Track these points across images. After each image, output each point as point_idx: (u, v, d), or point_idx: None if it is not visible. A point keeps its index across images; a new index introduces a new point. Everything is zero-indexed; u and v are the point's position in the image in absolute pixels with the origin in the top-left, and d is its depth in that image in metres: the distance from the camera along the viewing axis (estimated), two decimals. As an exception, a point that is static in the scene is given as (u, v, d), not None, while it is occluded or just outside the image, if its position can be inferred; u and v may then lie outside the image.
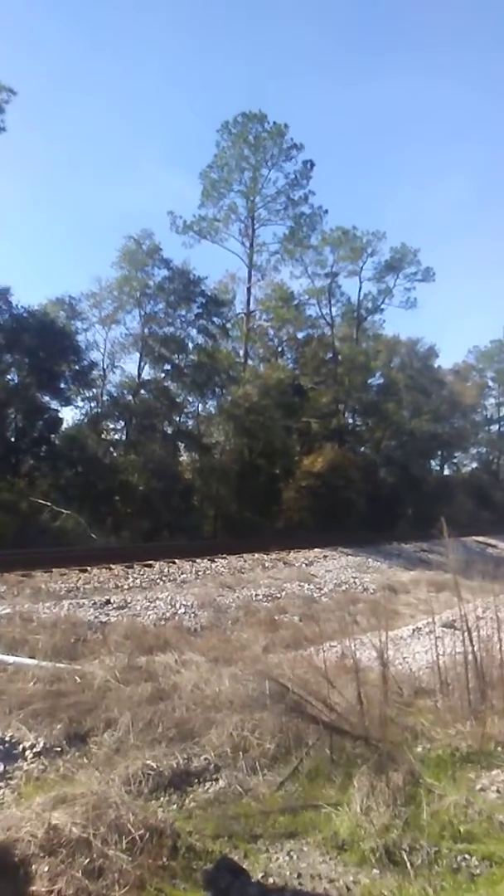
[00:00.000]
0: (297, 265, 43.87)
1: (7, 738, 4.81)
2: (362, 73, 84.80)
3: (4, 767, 4.52)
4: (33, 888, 3.14)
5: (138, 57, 78.11)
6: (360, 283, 47.07)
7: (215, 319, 37.02)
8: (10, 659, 6.62)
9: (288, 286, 44.07)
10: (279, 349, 44.51)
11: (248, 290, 41.56)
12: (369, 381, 45.10)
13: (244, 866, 3.51)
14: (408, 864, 3.58)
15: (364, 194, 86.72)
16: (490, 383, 61.31)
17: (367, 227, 55.66)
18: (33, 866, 3.24)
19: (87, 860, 3.25)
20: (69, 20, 73.86)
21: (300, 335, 44.61)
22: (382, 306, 48.24)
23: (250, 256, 41.05)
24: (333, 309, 46.00)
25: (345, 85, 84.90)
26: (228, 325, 39.52)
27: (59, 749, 4.82)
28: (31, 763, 4.63)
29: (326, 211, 42.22)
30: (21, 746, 4.78)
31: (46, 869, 3.21)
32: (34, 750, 4.75)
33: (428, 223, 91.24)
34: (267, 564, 17.18)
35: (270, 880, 3.47)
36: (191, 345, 35.81)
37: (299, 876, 3.52)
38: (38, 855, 3.29)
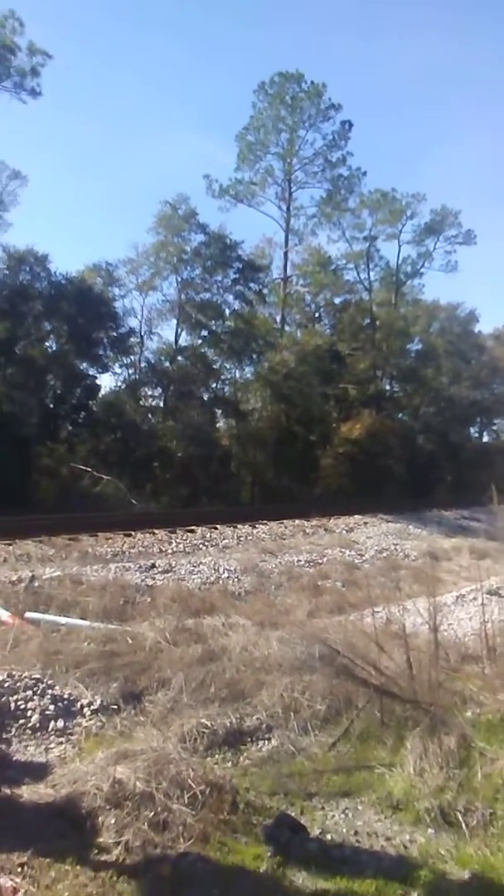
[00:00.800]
0: (334, 229, 43.14)
1: (66, 696, 4.96)
2: (401, 31, 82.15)
3: (65, 724, 4.66)
4: (101, 840, 3.25)
5: (169, 21, 76.69)
6: (399, 246, 46.12)
7: (252, 285, 36.74)
8: (63, 620, 6.79)
9: (325, 250, 43.37)
10: (316, 315, 44.04)
11: (285, 254, 41.07)
12: (408, 346, 44.56)
13: (302, 823, 3.59)
14: (463, 825, 3.63)
15: (403, 155, 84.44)
16: (532, 348, 60.11)
17: (406, 189, 54.56)
18: (100, 818, 3.36)
19: (152, 813, 3.36)
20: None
21: (338, 300, 44.01)
22: (422, 270, 47.27)
23: (287, 220, 40.49)
24: (372, 273, 45.28)
25: (383, 43, 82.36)
26: (265, 291, 39.21)
27: (115, 707, 4.95)
28: (90, 720, 4.76)
29: (365, 173, 41.22)
30: (79, 704, 4.92)
31: (113, 821, 3.32)
32: (92, 707, 4.89)
33: (469, 184, 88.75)
34: (307, 531, 17.25)
35: (328, 837, 3.55)
36: (227, 311, 35.66)
37: (356, 834, 3.60)
38: (105, 808, 3.41)
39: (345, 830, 3.62)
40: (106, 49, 72.55)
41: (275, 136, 39.96)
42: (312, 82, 38.90)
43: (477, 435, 52.95)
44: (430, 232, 45.79)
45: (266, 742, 4.67)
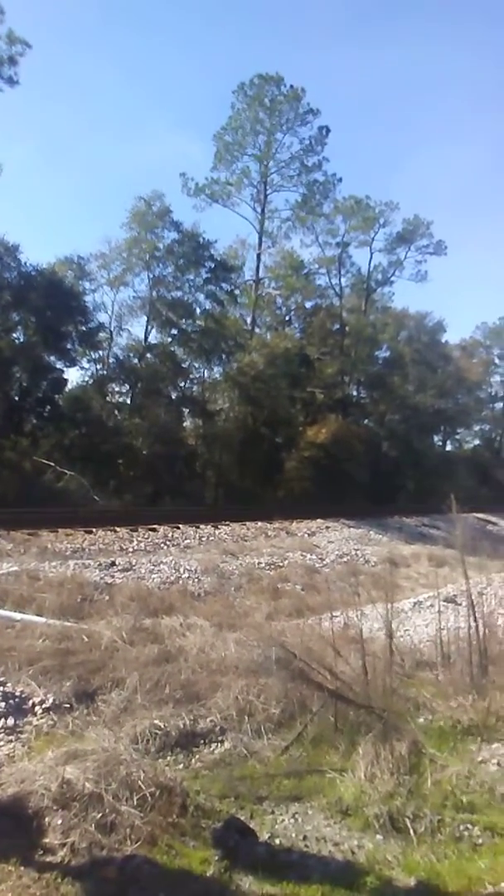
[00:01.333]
0: (308, 233, 43.38)
1: (17, 693, 4.89)
2: (378, 40, 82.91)
3: (15, 721, 4.60)
4: (46, 840, 3.21)
5: (151, 18, 76.35)
6: (371, 253, 46.57)
7: (224, 285, 36.73)
8: (19, 616, 6.70)
9: (298, 254, 43.57)
10: (287, 318, 44.21)
11: (258, 256, 41.18)
12: (376, 353, 44.95)
13: (251, 827, 3.58)
14: (411, 832, 3.66)
15: (378, 164, 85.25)
16: (496, 360, 60.88)
17: (380, 197, 55.01)
18: (47, 819, 3.32)
19: (100, 815, 3.32)
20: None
21: (308, 305, 44.25)
22: (392, 278, 47.79)
23: (261, 222, 40.61)
24: (343, 279, 45.64)
25: (360, 51, 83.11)
26: (237, 292, 39.22)
27: (68, 705, 4.90)
28: (41, 718, 4.70)
29: (340, 179, 41.59)
30: (31, 702, 4.86)
31: (60, 822, 3.28)
32: (44, 706, 4.83)
33: (441, 195, 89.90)
34: (270, 533, 17.28)
35: (277, 841, 3.54)
36: (198, 310, 35.60)
37: (305, 838, 3.60)
38: (52, 808, 3.36)
39: (294, 835, 3.62)
40: (85, 41, 72.16)
41: (252, 137, 40.07)
42: (291, 86, 39.14)
43: (440, 444, 53.64)
44: (402, 241, 46.32)
45: (219, 745, 4.65)
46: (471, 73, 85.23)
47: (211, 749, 4.60)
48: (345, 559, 14.15)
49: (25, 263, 27.87)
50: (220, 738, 4.73)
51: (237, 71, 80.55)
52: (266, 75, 39.02)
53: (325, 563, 13.48)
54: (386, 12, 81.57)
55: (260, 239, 40.76)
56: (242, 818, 3.68)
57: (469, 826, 3.72)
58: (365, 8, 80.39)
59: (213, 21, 76.81)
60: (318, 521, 20.67)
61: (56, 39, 68.78)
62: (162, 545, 13.05)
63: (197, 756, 4.49)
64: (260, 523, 18.24)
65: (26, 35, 28.70)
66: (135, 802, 3.44)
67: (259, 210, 40.53)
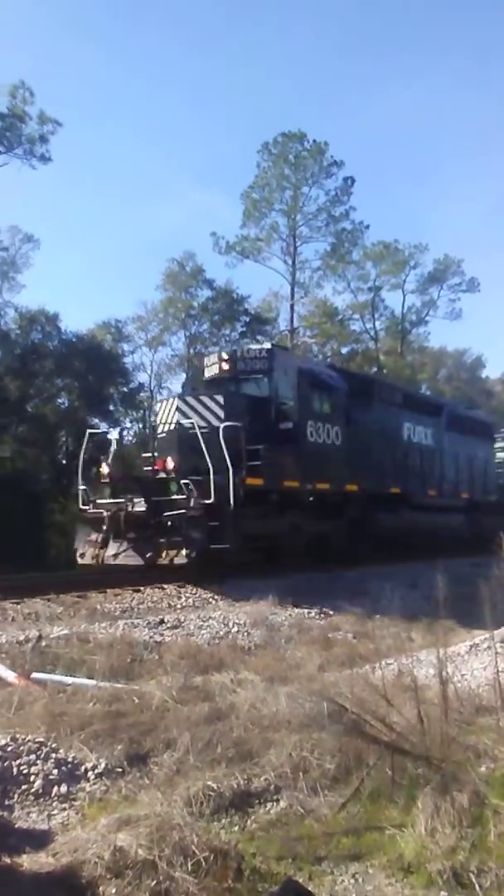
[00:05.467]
0: (339, 281, 44.07)
1: (70, 760, 4.88)
2: (402, 81, 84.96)
3: (68, 789, 4.58)
4: (101, 910, 3.17)
5: (169, 80, 79.64)
6: (404, 295, 47.00)
7: (259, 337, 37.28)
8: (69, 680, 6.72)
9: (331, 302, 44.23)
10: (324, 365, 44.49)
11: (292, 307, 41.81)
12: (416, 393, 44.79)
13: (310, 889, 3.48)
14: (476, 887, 3.51)
15: (405, 207, 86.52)
16: (540, 392, 60.18)
17: (409, 239, 55.53)
18: (101, 888, 3.28)
19: (154, 882, 3.27)
20: (99, 48, 75.80)
21: (344, 350, 44.65)
22: (427, 318, 48.07)
23: (293, 274, 41.31)
24: (377, 323, 46.07)
25: (385, 94, 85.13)
26: (272, 343, 39.70)
27: (120, 770, 4.86)
28: (94, 784, 4.68)
29: (368, 226, 42.36)
30: (83, 767, 4.83)
31: (114, 891, 3.24)
32: (96, 771, 4.80)
33: (471, 232, 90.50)
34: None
35: (337, 903, 3.44)
36: (236, 364, 36.06)
37: (366, 899, 3.48)
38: (105, 877, 3.33)
39: (354, 896, 3.51)
40: (103, 107, 75.14)
41: (279, 193, 41.13)
42: (315, 141, 40.23)
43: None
44: (434, 281, 46.64)
45: (274, 804, 4.56)
46: (495, 109, 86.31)
47: (266, 809, 4.51)
48: (395, 603, 13.86)
49: (66, 331, 28.89)
50: (275, 797, 4.63)
51: (259, 124, 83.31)
52: (289, 133, 40.27)
53: (376, 608, 13.22)
54: (407, 53, 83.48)
55: (293, 290, 41.45)
56: (300, 880, 3.58)
57: (537, 880, 3.56)
58: (385, 53, 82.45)
59: (231, 76, 79.63)
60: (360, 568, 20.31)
61: (75, 108, 72.09)
62: (210, 600, 12.98)
63: (252, 817, 4.40)
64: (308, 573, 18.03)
65: (54, 111, 30.17)
66: (189, 868, 3.38)
67: (290, 262, 41.29)
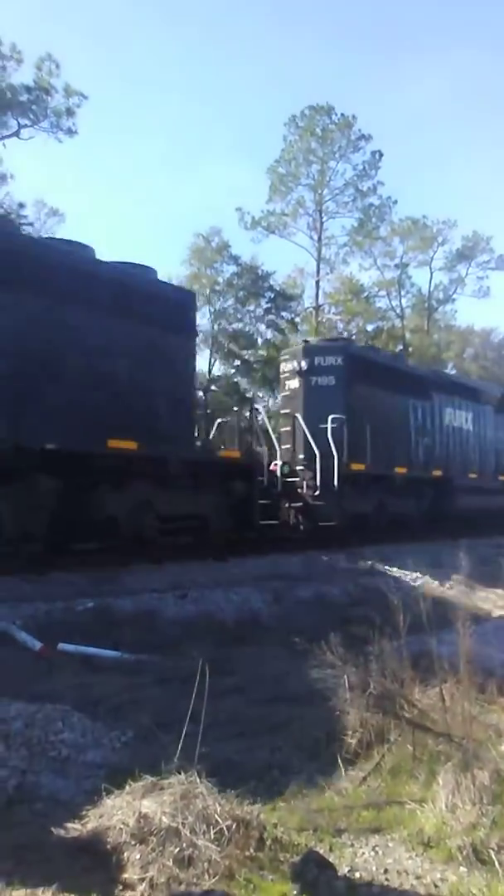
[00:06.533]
0: (365, 257, 43.61)
1: (95, 728, 4.97)
2: (430, 49, 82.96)
3: (94, 757, 4.67)
4: (125, 875, 3.24)
5: (204, 53, 78.64)
6: (431, 273, 46.47)
7: (284, 314, 37.18)
8: (95, 650, 6.83)
9: (357, 279, 43.76)
10: (349, 342, 44.23)
11: (317, 283, 41.52)
12: (442, 372, 44.44)
13: (330, 860, 3.53)
14: (496, 864, 3.54)
15: (434, 181, 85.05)
16: None
17: (437, 215, 54.73)
18: (125, 854, 3.35)
19: (177, 849, 3.33)
20: (137, 18, 74.98)
21: (370, 327, 44.21)
22: (454, 296, 47.51)
23: (318, 250, 40.98)
24: (403, 300, 45.61)
25: (412, 63, 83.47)
26: (297, 320, 39.57)
27: (145, 738, 4.94)
28: (120, 752, 4.76)
29: (395, 201, 41.74)
30: (109, 736, 4.92)
31: (138, 857, 3.30)
32: (122, 739, 4.89)
33: (501, 209, 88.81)
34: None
35: (357, 875, 3.48)
36: (260, 340, 36.02)
37: (385, 871, 3.52)
38: (130, 843, 3.39)
39: (374, 868, 3.55)
40: (138, 82, 74.49)
41: (305, 167, 40.68)
42: (342, 114, 39.64)
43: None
44: (462, 258, 45.97)
45: (295, 776, 4.61)
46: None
47: (287, 780, 4.56)
48: (418, 581, 13.86)
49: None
50: (297, 770, 4.69)
51: (286, 96, 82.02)
52: (317, 106, 39.68)
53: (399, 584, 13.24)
54: (434, 24, 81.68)
55: (318, 266, 41.14)
56: (321, 851, 3.63)
57: None
58: (414, 21, 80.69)
59: (264, 51, 78.43)
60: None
61: (113, 81, 71.51)
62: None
63: (274, 788, 4.45)
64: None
65: (82, 77, 30.15)
66: (212, 836, 3.43)
67: (316, 238, 40.95)
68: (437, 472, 20.84)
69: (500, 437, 25.55)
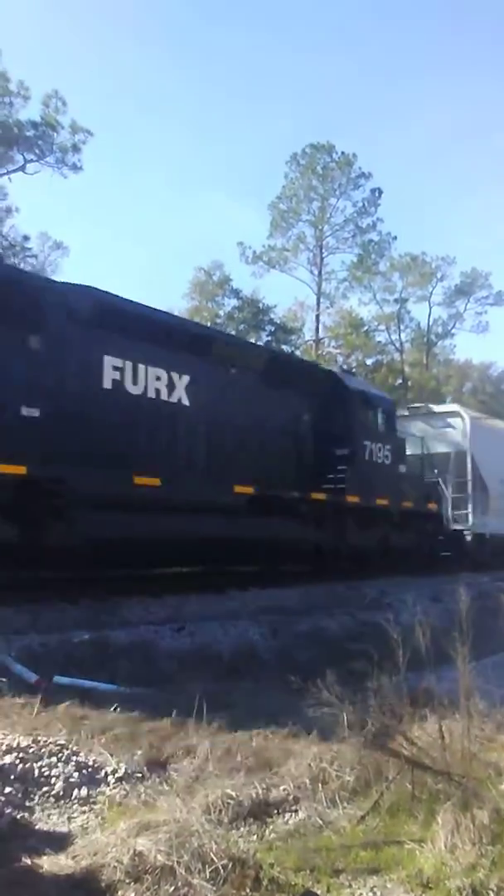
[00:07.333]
0: (365, 292, 44.06)
1: (90, 763, 4.90)
2: (429, 93, 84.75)
3: (88, 792, 4.60)
4: (119, 914, 3.18)
5: (205, 89, 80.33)
6: (430, 308, 46.89)
7: (284, 347, 37.31)
8: (91, 683, 6.76)
9: (357, 313, 44.16)
10: (349, 376, 44.50)
11: (317, 317, 41.93)
12: (440, 406, 44.65)
13: (328, 901, 3.47)
14: (496, 906, 3.48)
15: (433, 219, 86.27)
16: None
17: (436, 251, 55.37)
18: (119, 892, 3.29)
19: (172, 888, 3.28)
20: (142, 54, 76.64)
21: (369, 361, 44.51)
22: (453, 331, 47.90)
23: (319, 284, 41.44)
24: (403, 334, 45.96)
25: (411, 99, 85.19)
26: (298, 353, 39.72)
27: (139, 775, 4.88)
28: (114, 788, 4.70)
29: (395, 237, 42.33)
30: (103, 771, 4.86)
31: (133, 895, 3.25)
32: (116, 775, 4.82)
33: (499, 245, 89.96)
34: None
35: (354, 917, 3.42)
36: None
37: (384, 913, 3.46)
38: (124, 881, 3.34)
39: (372, 910, 3.49)
40: (141, 115, 75.79)
41: (306, 204, 41.34)
42: (343, 153, 40.35)
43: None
44: (461, 293, 46.42)
45: (293, 814, 4.55)
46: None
47: (285, 819, 4.51)
48: (416, 618, 13.77)
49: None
50: (293, 808, 4.63)
51: (286, 136, 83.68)
52: (317, 144, 40.45)
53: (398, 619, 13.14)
54: (433, 67, 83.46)
55: (318, 300, 41.58)
56: (318, 892, 3.57)
57: None
58: (413, 64, 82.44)
59: (265, 90, 80.00)
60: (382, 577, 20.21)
61: (116, 115, 72.75)
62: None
63: (271, 826, 4.39)
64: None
65: (83, 110, 30.83)
66: (207, 875, 3.38)
67: (316, 272, 41.45)
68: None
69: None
